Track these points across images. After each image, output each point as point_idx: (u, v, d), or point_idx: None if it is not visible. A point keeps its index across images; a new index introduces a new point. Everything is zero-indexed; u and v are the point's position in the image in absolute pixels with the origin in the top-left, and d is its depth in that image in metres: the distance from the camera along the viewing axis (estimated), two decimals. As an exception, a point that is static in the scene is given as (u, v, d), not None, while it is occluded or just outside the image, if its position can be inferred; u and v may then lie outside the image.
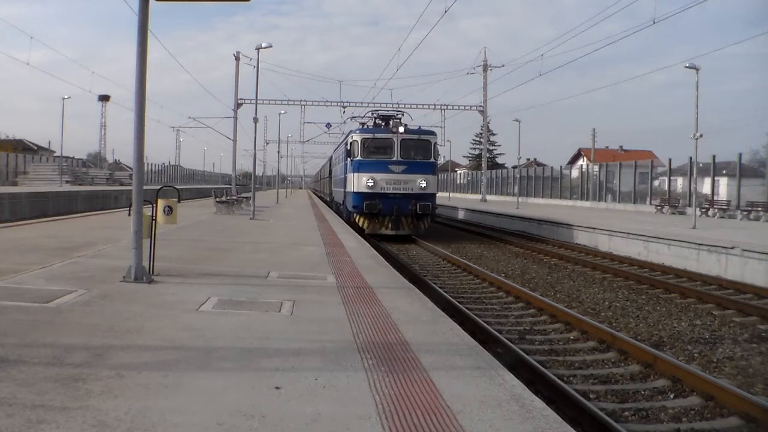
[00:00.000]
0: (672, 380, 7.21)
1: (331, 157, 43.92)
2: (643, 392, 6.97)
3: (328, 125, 53.89)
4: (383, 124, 25.13)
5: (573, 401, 6.30)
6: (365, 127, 26.00)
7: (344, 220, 25.60)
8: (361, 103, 42.33)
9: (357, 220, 23.81)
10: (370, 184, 23.32)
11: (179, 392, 4.29)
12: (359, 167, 23.77)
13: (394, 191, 23.44)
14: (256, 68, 28.07)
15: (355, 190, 23.70)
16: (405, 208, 23.42)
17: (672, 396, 6.85)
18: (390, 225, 23.66)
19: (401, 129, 23.74)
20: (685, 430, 5.96)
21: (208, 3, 12.34)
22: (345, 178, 26.25)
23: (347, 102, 44.79)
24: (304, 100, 48.00)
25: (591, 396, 6.80)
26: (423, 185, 23.62)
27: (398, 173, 23.52)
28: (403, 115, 26.20)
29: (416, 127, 25.69)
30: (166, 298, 7.53)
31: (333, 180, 38.56)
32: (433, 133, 25.18)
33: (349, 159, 24.93)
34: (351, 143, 24.62)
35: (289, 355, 5.30)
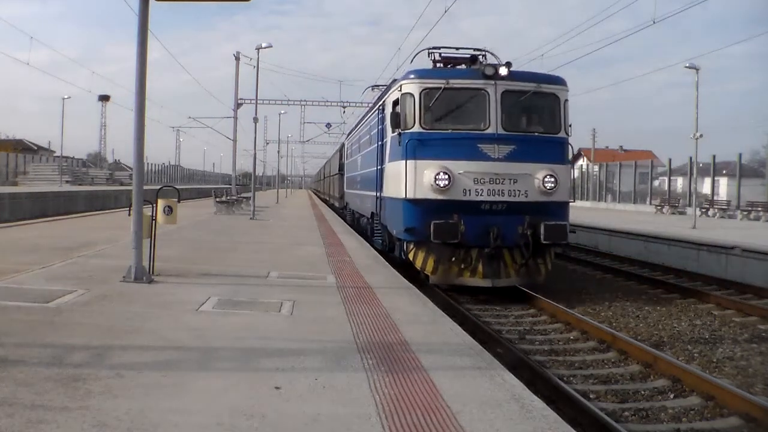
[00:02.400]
0: (672, 380, 7.21)
1: (343, 145, 30.93)
2: (643, 392, 6.96)
3: (328, 125, 53.82)
4: (463, 64, 12.82)
5: (572, 401, 6.29)
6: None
7: (377, 249, 14.64)
8: (361, 103, 42.33)
9: (411, 255, 11.59)
10: (442, 184, 11.13)
11: (179, 392, 4.29)
12: (417, 149, 11.44)
13: (491, 197, 11.27)
14: (256, 68, 28.09)
15: (407, 196, 11.38)
16: (510, 233, 11.33)
17: (672, 396, 6.84)
18: (481, 267, 11.32)
19: (503, 70, 11.42)
20: (685, 430, 5.95)
21: (208, 3, 12.33)
22: (381, 173, 14.10)
23: (347, 102, 44.73)
24: (304, 100, 47.89)
25: (591, 396, 6.80)
26: (549, 185, 11.42)
27: (498, 159, 11.34)
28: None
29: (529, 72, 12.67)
30: (166, 298, 7.53)
31: (347, 178, 25.65)
32: (560, 81, 12.24)
33: (389, 135, 12.89)
34: (399, 101, 12.03)
35: (289, 355, 5.29)
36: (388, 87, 14.08)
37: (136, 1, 8.44)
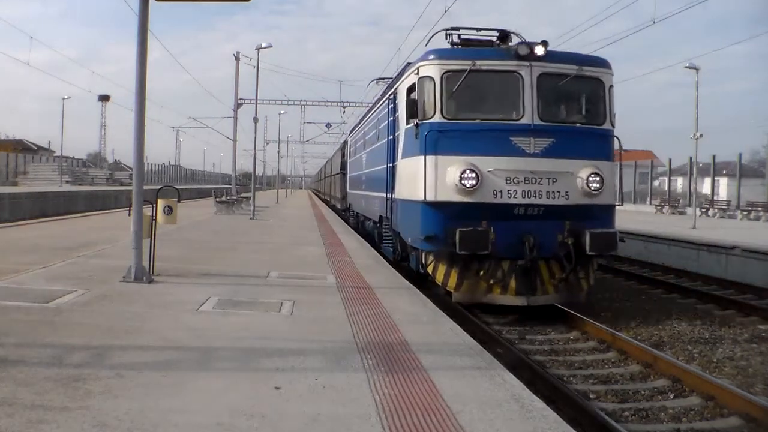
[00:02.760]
0: (672, 380, 7.21)
1: (345, 143, 28.92)
2: (643, 392, 6.96)
3: (328, 125, 53.85)
4: (491, 43, 10.89)
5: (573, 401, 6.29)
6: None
7: (388, 259, 12.96)
8: (362, 103, 42.34)
9: (431, 269, 9.95)
10: (468, 184, 9.43)
11: (179, 392, 4.29)
12: (438, 143, 9.75)
13: (526, 200, 9.61)
14: (256, 68, 28.09)
15: (426, 199, 9.67)
16: (548, 241, 9.69)
17: (672, 396, 6.84)
18: (514, 282, 9.62)
19: (539, 50, 9.72)
20: (685, 430, 5.96)
21: (209, 3, 12.34)
22: (392, 171, 12.30)
23: (347, 102, 44.72)
24: (304, 100, 47.93)
25: (591, 396, 6.80)
26: (594, 185, 9.75)
27: (534, 155, 9.64)
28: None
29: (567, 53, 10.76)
30: (166, 298, 7.54)
31: (350, 177, 23.83)
32: (604, 64, 10.47)
33: (402, 128, 11.22)
34: (415, 87, 10.28)
35: (289, 355, 5.29)
36: (402, 72, 12.06)
37: (136, 1, 8.44)
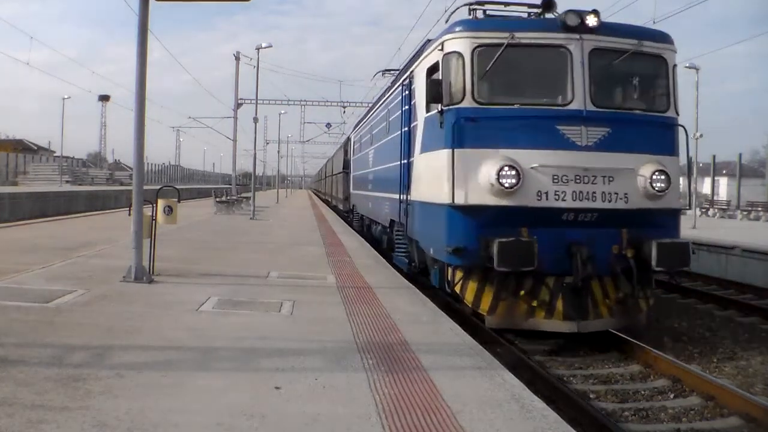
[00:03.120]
0: (672, 380, 7.21)
1: (348, 139, 27.54)
2: (643, 392, 6.96)
3: (328, 125, 53.83)
4: (532, 13, 9.28)
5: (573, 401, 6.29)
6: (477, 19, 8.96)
7: (400, 269, 11.65)
8: (362, 102, 42.35)
9: (459, 288, 8.27)
10: (507, 184, 7.84)
11: (179, 392, 4.29)
12: (469, 133, 8.16)
13: (577, 203, 7.99)
14: (256, 68, 28.10)
15: (454, 201, 8.08)
16: (603, 254, 8.03)
17: (672, 396, 6.84)
18: (561, 304, 7.99)
19: (591, 20, 8.15)
20: (685, 430, 5.96)
21: (208, 3, 12.34)
22: (407, 169, 10.78)
23: (347, 102, 44.73)
24: (304, 100, 47.95)
25: (591, 396, 6.80)
26: (658, 185, 8.15)
27: (587, 148, 8.03)
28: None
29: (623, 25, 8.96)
30: (166, 298, 7.54)
31: (354, 177, 22.31)
32: (667, 39, 8.85)
33: (421, 117, 9.78)
34: (439, 67, 8.76)
35: (289, 355, 5.30)
36: (420, 50, 10.47)
37: (136, 1, 8.44)
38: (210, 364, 5.00)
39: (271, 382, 4.57)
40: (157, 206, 9.73)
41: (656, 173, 8.05)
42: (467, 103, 8.12)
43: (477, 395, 4.48)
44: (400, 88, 11.73)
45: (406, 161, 10.83)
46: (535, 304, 7.92)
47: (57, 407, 3.88)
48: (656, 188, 8.04)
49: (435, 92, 8.44)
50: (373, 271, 10.80)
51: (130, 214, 8.89)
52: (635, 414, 6.30)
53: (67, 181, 50.48)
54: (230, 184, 35.37)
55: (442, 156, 8.36)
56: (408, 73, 11.00)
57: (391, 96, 13.20)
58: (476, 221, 7.93)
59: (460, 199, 7.97)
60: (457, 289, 8.21)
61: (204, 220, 22.15)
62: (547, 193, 7.87)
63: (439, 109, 8.43)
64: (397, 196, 11.55)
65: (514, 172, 7.76)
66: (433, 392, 4.50)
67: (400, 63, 15.22)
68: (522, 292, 7.90)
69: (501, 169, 7.75)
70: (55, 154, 63.64)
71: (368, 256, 12.98)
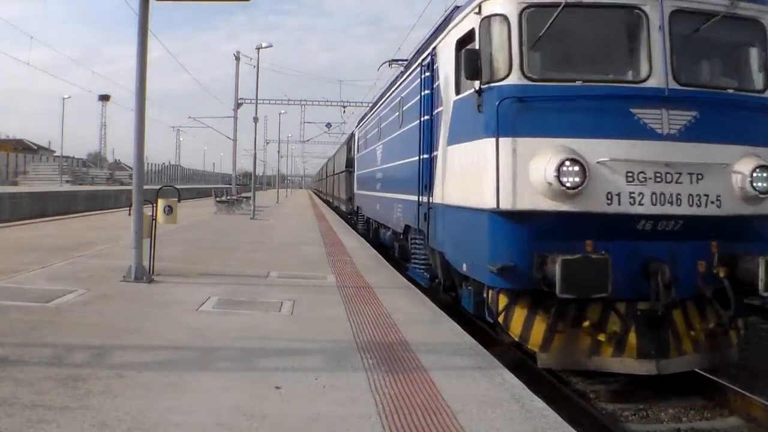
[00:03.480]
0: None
1: (352, 135, 25.81)
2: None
3: (328, 125, 53.87)
4: None
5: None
6: None
7: (419, 285, 9.95)
8: (362, 102, 42.37)
9: (503, 318, 6.57)
10: (570, 183, 6.05)
11: (179, 392, 4.29)
12: (518, 117, 6.39)
13: (658, 208, 6.20)
14: (256, 68, 28.11)
15: (499, 206, 6.35)
16: (687, 274, 6.24)
17: (672, 396, 6.83)
18: (635, 338, 6.21)
19: None
20: (685, 430, 5.95)
21: (208, 3, 12.34)
22: (429, 165, 9.15)
23: (347, 102, 44.75)
24: (305, 100, 48.01)
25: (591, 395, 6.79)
26: (761, 185, 6.35)
27: (670, 137, 6.23)
28: None
29: None
30: (166, 298, 7.54)
31: (359, 176, 20.97)
32: (765, 1, 6.80)
33: (448, 101, 8.10)
34: (474, 34, 7.03)
35: (289, 355, 5.30)
36: (446, 20, 8.76)
37: (136, 1, 8.45)
38: (210, 364, 5.00)
39: (271, 382, 4.57)
40: (157, 206, 9.74)
41: (758, 170, 6.33)
42: (515, 78, 6.42)
43: (477, 395, 4.48)
44: (419, 69, 9.96)
45: (426, 156, 9.18)
46: (602, 338, 6.22)
47: (57, 407, 3.88)
48: (757, 189, 6.32)
49: (472, 66, 6.69)
50: (373, 270, 10.79)
51: (130, 214, 8.90)
52: (635, 414, 6.30)
53: (67, 181, 50.47)
54: (230, 184, 35.37)
55: (481, 147, 6.70)
56: (429, 50, 9.25)
57: (406, 81, 11.52)
58: (529, 232, 6.27)
59: (506, 203, 6.27)
60: (501, 318, 6.57)
61: (204, 220, 22.15)
62: (619, 195, 6.15)
63: (477, 89, 6.74)
64: (413, 198, 9.92)
65: (578, 168, 6.03)
66: (433, 392, 4.50)
67: (408, 54, 13.47)
68: (586, 323, 6.21)
69: (562, 163, 6.02)
70: (55, 154, 63.67)
71: (368, 256, 12.98)
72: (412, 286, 9.40)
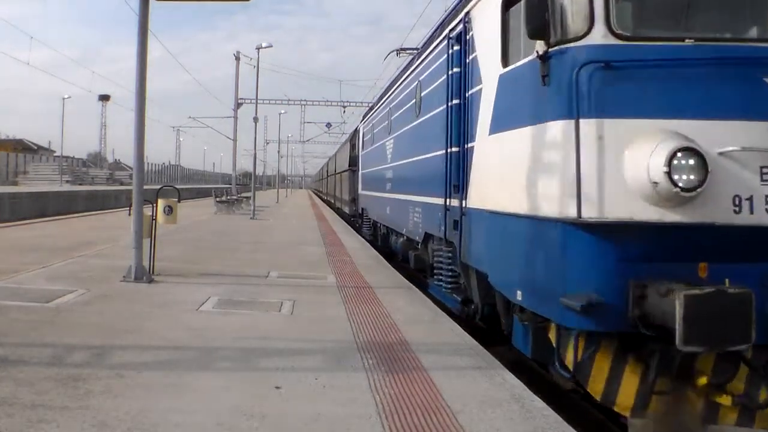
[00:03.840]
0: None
1: (356, 131, 23.82)
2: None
3: (328, 125, 53.89)
4: None
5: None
6: None
7: (446, 308, 8.15)
8: (362, 102, 42.38)
9: (581, 369, 4.69)
10: (683, 182, 4.24)
11: (179, 392, 4.29)
12: (607, 91, 4.53)
13: None
14: (256, 68, 28.11)
15: (578, 214, 4.50)
16: None
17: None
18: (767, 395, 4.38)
19: None
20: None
21: (209, 3, 12.34)
22: (462, 160, 7.18)
23: (347, 102, 44.76)
24: (305, 100, 48.04)
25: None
26: None
27: None
28: None
29: None
30: (167, 298, 7.54)
31: (364, 175, 19.04)
32: None
33: (500, 71, 5.92)
34: None
35: (289, 355, 5.30)
36: None
37: (136, 1, 8.45)
38: (210, 364, 5.00)
39: (271, 381, 4.57)
40: (157, 206, 9.74)
41: None
42: (598, 36, 4.66)
43: (477, 395, 4.48)
44: (445, 44, 8.15)
45: (456, 149, 7.43)
46: (724, 400, 4.60)
47: (57, 407, 3.88)
48: None
49: (537, 19, 4.85)
50: (373, 270, 10.79)
51: (130, 214, 8.90)
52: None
53: (67, 181, 50.48)
54: (230, 184, 35.38)
55: (549, 134, 4.97)
56: (460, 18, 7.43)
57: (425, 62, 9.63)
58: (623, 252, 4.58)
59: (591, 211, 4.56)
60: (578, 372, 4.82)
61: (204, 220, 22.15)
62: (751, 199, 4.48)
63: (540, 53, 4.94)
64: (437, 201, 8.26)
65: (694, 162, 4.35)
66: (433, 392, 4.50)
67: (418, 43, 11.84)
68: (703, 379, 4.60)
69: (673, 155, 4.33)
70: (55, 154, 63.67)
71: (368, 257, 12.97)
72: (413, 287, 9.40)
